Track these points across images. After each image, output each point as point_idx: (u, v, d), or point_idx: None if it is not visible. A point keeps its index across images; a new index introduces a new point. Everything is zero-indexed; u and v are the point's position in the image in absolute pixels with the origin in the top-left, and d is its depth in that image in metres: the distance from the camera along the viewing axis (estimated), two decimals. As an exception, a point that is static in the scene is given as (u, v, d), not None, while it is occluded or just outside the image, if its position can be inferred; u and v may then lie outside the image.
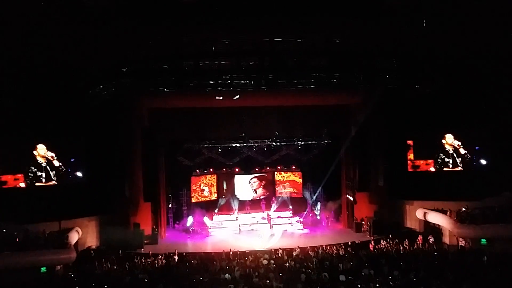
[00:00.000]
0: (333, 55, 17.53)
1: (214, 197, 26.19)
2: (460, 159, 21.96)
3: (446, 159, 22.12)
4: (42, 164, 19.84)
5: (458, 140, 22.03)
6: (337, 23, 16.77)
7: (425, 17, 16.29)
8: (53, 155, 19.97)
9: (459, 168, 21.97)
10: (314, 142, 25.30)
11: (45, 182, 19.86)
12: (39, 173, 19.73)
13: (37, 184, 19.72)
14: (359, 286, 11.48)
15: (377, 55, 18.02)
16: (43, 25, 16.00)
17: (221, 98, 19.57)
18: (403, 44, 17.81)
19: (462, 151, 21.91)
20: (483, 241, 17.77)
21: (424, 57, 18.31)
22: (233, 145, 24.61)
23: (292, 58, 17.22)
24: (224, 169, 26.49)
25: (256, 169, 26.83)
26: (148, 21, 16.30)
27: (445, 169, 22.20)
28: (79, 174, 20.67)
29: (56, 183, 19.99)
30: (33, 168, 19.71)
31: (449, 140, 22.06)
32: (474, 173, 21.61)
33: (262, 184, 26.75)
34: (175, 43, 17.11)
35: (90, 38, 16.87)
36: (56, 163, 20.00)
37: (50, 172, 19.92)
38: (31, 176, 19.63)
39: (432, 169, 22.37)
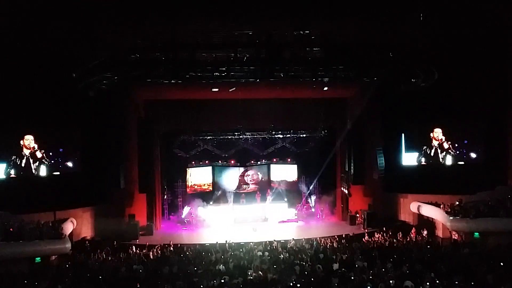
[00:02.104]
0: (330, 48, 17.47)
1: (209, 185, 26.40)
2: (443, 154, 22.09)
3: (428, 152, 22.28)
4: (25, 155, 19.57)
5: (450, 134, 22.14)
6: (333, 16, 16.73)
7: (422, 10, 16.28)
8: (36, 146, 19.62)
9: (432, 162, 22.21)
10: (310, 135, 25.34)
11: (23, 174, 19.48)
12: (18, 163, 19.42)
13: (11, 175, 19.33)
14: (352, 278, 11.55)
15: (373, 48, 17.99)
16: (37, 15, 15.87)
17: (217, 90, 19.53)
18: (399, 37, 17.82)
19: (446, 145, 22.05)
20: (476, 234, 17.90)
21: (420, 51, 18.33)
22: (229, 137, 24.62)
23: (288, 51, 17.16)
24: (219, 161, 26.53)
25: (252, 162, 26.91)
26: (144, 11, 16.19)
27: (423, 162, 22.39)
28: (70, 164, 20.51)
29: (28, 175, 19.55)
30: (14, 157, 19.40)
31: (436, 134, 22.18)
32: (467, 167, 21.75)
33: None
34: (171, 34, 16.99)
35: (86, 28, 16.75)
36: (39, 154, 19.69)
37: (32, 164, 19.62)
38: (10, 166, 19.35)
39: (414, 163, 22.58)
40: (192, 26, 16.69)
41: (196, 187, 26.25)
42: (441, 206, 19.71)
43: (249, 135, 24.56)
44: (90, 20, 16.30)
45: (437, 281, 10.78)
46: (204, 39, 16.97)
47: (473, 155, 21.93)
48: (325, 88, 19.94)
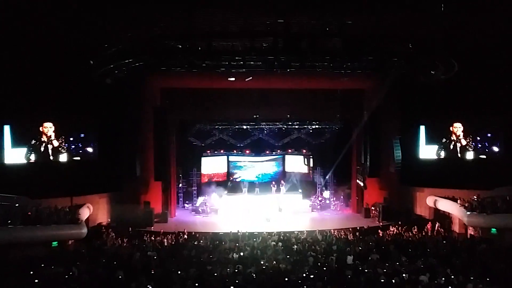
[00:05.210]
0: (348, 39, 17.23)
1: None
2: (462, 149, 21.85)
3: (448, 145, 22.04)
4: (44, 141, 19.81)
5: (470, 129, 21.86)
6: (352, 6, 16.46)
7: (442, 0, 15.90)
8: (52, 135, 19.84)
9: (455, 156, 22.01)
10: (325, 126, 25.16)
11: (41, 159, 19.71)
12: (38, 147, 19.66)
13: (31, 160, 19.61)
14: (366, 270, 11.51)
15: (391, 40, 17.70)
16: (58, 6, 15.94)
17: (234, 79, 19.48)
18: (418, 28, 17.47)
19: (464, 141, 21.79)
20: (493, 230, 17.65)
21: (439, 43, 17.97)
22: (245, 127, 24.60)
23: (306, 41, 16.97)
24: (234, 151, 26.58)
25: (267, 152, 26.89)
26: (161, 0, 16.16)
27: (441, 156, 22.15)
28: (90, 150, 20.81)
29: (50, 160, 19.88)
30: (35, 141, 19.67)
31: (455, 129, 21.89)
32: (486, 162, 21.41)
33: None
34: (189, 23, 16.93)
35: (103, 17, 16.78)
36: (56, 143, 19.92)
37: (50, 151, 19.87)
38: (30, 151, 19.61)
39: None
40: (209, 15, 16.57)
41: (211, 176, 26.32)
42: (458, 200, 19.45)
43: (264, 125, 24.50)
44: (108, 9, 16.30)
45: (452, 277, 10.68)
46: (221, 28, 16.88)
47: (494, 148, 21.61)
48: (343, 79, 19.70)
